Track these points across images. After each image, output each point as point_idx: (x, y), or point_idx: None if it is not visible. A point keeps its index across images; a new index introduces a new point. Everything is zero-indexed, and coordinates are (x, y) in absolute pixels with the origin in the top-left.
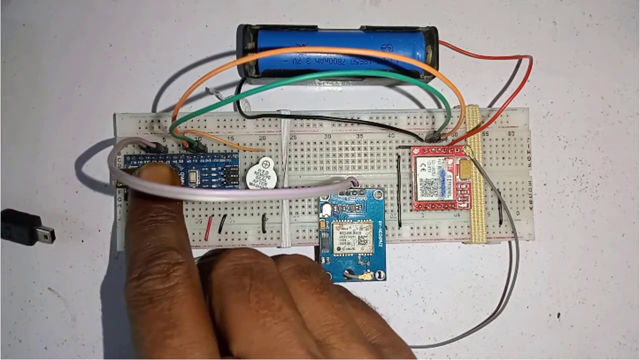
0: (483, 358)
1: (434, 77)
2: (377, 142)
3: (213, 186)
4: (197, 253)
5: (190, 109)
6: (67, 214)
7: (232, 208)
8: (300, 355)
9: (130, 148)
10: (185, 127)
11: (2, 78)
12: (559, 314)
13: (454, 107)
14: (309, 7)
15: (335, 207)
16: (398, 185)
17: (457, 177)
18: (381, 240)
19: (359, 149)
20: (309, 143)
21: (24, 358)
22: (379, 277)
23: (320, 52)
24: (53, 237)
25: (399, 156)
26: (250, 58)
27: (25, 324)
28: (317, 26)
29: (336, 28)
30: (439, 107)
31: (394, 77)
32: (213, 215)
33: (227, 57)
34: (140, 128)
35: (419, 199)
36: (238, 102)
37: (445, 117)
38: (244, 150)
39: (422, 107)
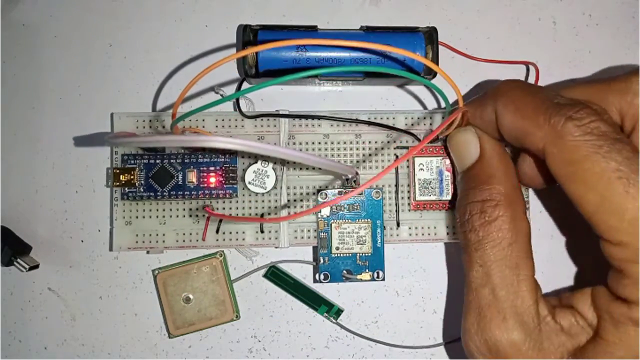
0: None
1: (434, 76)
2: (376, 142)
3: (211, 180)
4: (197, 253)
5: (190, 107)
6: (67, 214)
7: (230, 208)
8: None
9: (125, 136)
10: (184, 127)
11: (2, 78)
12: None
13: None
14: (308, 7)
15: (333, 206)
16: (396, 185)
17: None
18: (379, 240)
19: (357, 149)
20: (307, 143)
21: (24, 358)
22: (378, 277)
23: (323, 45)
24: (32, 269)
25: (397, 156)
26: (250, 51)
27: (25, 324)
28: (317, 26)
29: (336, 28)
30: (438, 108)
31: (395, 73)
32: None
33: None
34: (138, 127)
35: (417, 199)
36: (238, 102)
37: (444, 117)
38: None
39: (420, 108)
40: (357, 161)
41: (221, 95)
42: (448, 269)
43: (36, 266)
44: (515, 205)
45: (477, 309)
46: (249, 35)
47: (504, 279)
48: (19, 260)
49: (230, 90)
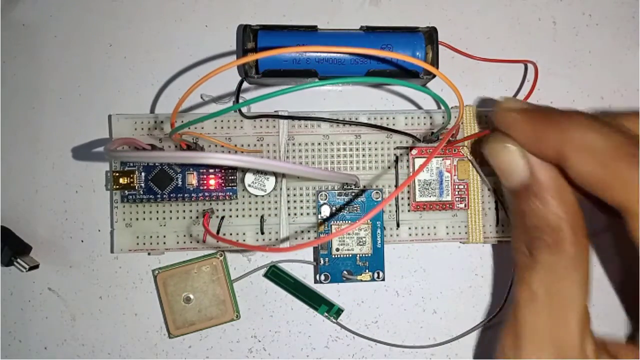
0: (483, 358)
1: (433, 76)
2: (375, 142)
3: (211, 183)
4: (196, 254)
5: (190, 107)
6: (67, 214)
7: (231, 210)
8: None
9: (125, 149)
10: (183, 131)
11: (2, 78)
12: None
13: (452, 107)
14: (308, 7)
15: (333, 208)
16: (396, 186)
17: (455, 177)
18: (379, 241)
19: (357, 149)
20: (307, 144)
21: (24, 358)
22: (378, 277)
23: (320, 52)
24: (32, 269)
25: (397, 157)
26: (249, 58)
27: (25, 324)
28: (317, 26)
29: (336, 28)
30: (438, 107)
31: (394, 83)
32: (211, 217)
33: (227, 57)
34: (136, 129)
35: (417, 200)
36: (237, 102)
37: (444, 117)
38: (242, 152)
39: (420, 107)
40: (357, 162)
41: (203, 99)
42: (448, 269)
43: (36, 266)
44: (575, 227)
45: (515, 329)
46: (249, 35)
47: (551, 304)
48: (19, 260)
49: (229, 88)
